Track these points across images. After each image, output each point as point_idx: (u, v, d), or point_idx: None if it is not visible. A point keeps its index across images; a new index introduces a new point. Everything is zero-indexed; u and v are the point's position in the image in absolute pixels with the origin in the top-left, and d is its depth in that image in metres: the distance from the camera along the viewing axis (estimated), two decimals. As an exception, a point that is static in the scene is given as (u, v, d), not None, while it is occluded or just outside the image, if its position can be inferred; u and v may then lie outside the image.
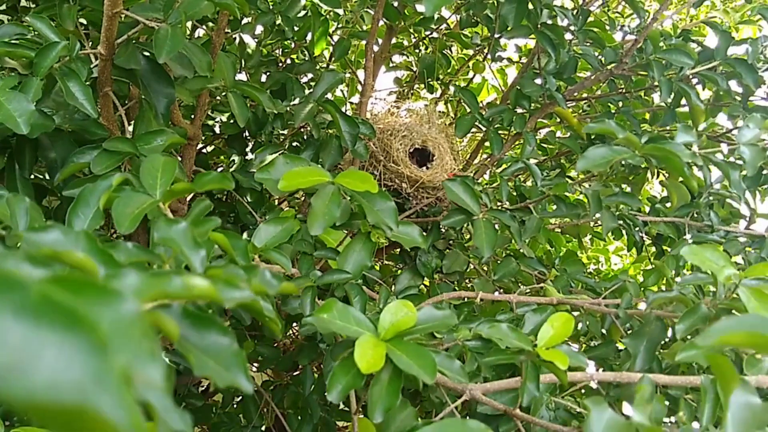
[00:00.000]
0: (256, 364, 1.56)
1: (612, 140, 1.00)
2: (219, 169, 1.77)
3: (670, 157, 0.95)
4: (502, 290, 1.56)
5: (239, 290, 0.44)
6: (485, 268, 1.63)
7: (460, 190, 1.22)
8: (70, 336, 0.19)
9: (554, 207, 1.36)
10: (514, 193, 1.46)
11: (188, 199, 1.41)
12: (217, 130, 1.79)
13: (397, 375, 0.69)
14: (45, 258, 0.38)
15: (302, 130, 1.61)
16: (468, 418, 0.97)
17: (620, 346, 1.18)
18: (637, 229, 1.46)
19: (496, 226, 1.26)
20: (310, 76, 1.87)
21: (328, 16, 1.76)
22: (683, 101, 1.54)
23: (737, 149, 1.09)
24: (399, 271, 1.67)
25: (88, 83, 0.93)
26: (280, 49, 1.84)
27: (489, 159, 1.83)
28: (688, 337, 0.88)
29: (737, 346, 0.45)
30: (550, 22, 1.49)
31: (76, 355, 0.19)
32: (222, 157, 1.88)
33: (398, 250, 1.70)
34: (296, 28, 1.52)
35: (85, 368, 0.19)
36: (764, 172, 1.43)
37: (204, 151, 1.81)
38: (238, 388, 0.40)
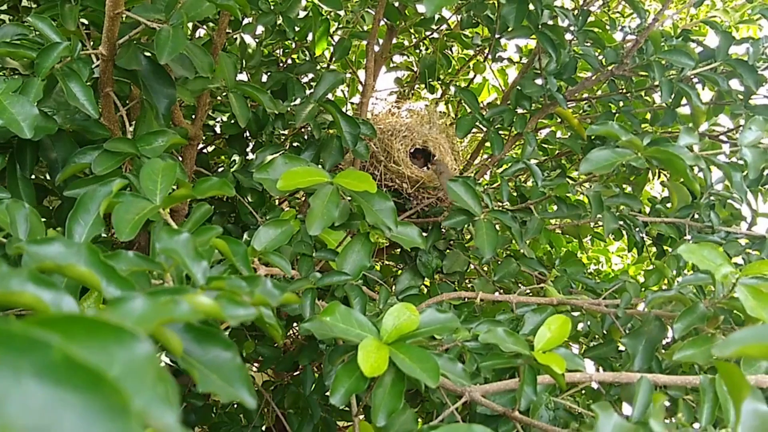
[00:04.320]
0: (256, 364, 1.57)
1: (614, 142, 1.00)
2: (219, 169, 1.77)
3: (673, 159, 0.95)
4: (502, 291, 1.56)
5: (243, 308, 0.44)
6: (485, 269, 1.63)
7: (461, 190, 1.22)
8: (92, 398, 0.19)
9: (555, 208, 1.36)
10: (515, 194, 1.46)
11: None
12: (217, 130, 1.79)
13: (400, 378, 0.69)
14: (49, 272, 0.38)
15: (303, 130, 1.61)
16: (468, 418, 0.97)
17: (621, 347, 1.18)
18: (637, 229, 1.45)
19: (497, 227, 1.26)
20: (310, 76, 1.86)
21: (328, 17, 1.76)
22: (684, 101, 1.54)
23: (739, 151, 1.08)
24: (399, 272, 1.67)
25: (89, 84, 0.93)
26: (281, 50, 1.84)
27: (490, 159, 1.83)
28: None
29: (756, 357, 0.45)
30: (550, 22, 1.49)
31: (98, 418, 0.19)
32: (222, 157, 1.88)
33: (399, 250, 1.70)
34: (297, 29, 1.52)
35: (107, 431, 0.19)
36: (765, 172, 1.43)
37: (205, 151, 1.81)
38: (241, 403, 0.40)
